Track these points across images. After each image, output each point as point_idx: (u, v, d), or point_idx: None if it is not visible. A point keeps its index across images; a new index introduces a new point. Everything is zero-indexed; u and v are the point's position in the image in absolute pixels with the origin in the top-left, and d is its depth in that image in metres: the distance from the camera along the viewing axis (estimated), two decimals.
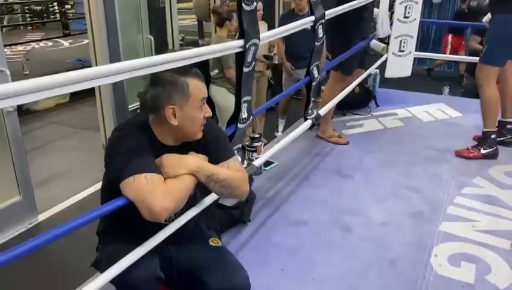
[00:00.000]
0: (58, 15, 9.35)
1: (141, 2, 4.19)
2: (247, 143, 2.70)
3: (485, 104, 2.94)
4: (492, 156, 2.97)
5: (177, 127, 1.34)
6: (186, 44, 6.30)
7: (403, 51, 3.48)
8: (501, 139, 3.10)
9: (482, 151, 2.97)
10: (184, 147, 1.41)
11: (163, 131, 1.37)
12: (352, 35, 2.99)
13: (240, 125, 1.83)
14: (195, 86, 1.34)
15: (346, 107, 3.87)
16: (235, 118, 1.80)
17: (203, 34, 6.40)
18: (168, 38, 4.36)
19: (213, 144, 1.47)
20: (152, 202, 1.22)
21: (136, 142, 1.34)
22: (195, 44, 6.41)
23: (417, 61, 5.04)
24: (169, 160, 1.35)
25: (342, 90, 3.09)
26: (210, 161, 1.42)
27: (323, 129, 3.26)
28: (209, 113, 1.39)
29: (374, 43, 3.73)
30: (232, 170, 1.45)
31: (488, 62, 2.87)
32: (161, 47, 4.34)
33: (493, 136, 2.97)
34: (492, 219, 2.36)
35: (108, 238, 1.50)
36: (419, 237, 2.24)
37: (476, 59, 4.33)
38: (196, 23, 6.68)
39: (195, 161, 1.38)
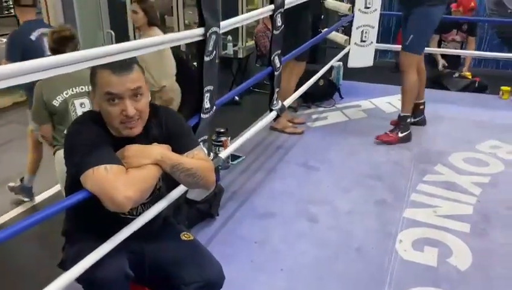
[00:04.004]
0: (12, 10, 8.95)
1: None
2: (213, 137, 2.67)
3: (407, 90, 3.10)
4: (407, 138, 3.14)
5: (102, 116, 1.32)
6: None
7: (364, 41, 3.53)
8: (416, 120, 3.33)
9: (400, 135, 3.12)
10: (146, 138, 1.37)
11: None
12: (300, 22, 3.03)
13: (203, 116, 1.80)
14: (103, 77, 1.27)
15: (311, 99, 3.91)
16: (197, 108, 1.77)
17: (166, 27, 6.30)
18: (129, 32, 4.26)
19: (176, 135, 1.44)
20: (114, 192, 1.19)
21: (95, 134, 1.30)
22: None
23: (379, 53, 5.13)
24: (132, 150, 1.32)
25: (297, 78, 3.18)
26: (174, 152, 1.39)
27: (278, 120, 3.25)
28: (127, 111, 1.28)
29: (336, 35, 3.77)
30: (197, 159, 1.43)
31: (412, 50, 3.00)
32: (123, 42, 4.22)
33: (409, 120, 3.15)
34: (452, 204, 2.43)
35: (74, 236, 1.45)
36: (384, 224, 2.28)
37: (438, 50, 4.49)
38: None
39: (159, 151, 1.34)
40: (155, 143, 1.38)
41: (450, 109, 3.76)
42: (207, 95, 1.78)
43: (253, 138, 2.71)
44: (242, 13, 5.66)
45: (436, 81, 4.56)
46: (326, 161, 2.95)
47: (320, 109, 3.88)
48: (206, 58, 1.68)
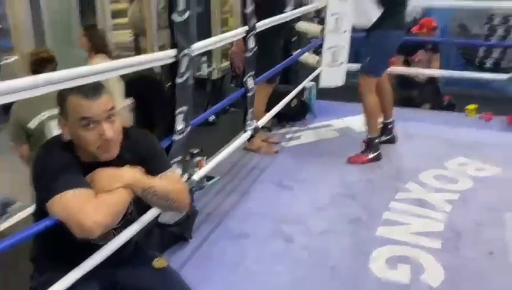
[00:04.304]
0: None
1: (72, 18, 4.06)
2: (187, 158, 2.66)
3: (368, 112, 3.16)
4: (378, 158, 3.19)
5: (74, 142, 1.29)
6: None
7: (336, 61, 3.60)
8: (386, 138, 3.40)
9: (370, 156, 3.17)
10: (117, 162, 1.35)
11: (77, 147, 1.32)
12: (271, 44, 3.08)
13: (176, 137, 1.79)
14: (75, 102, 1.24)
15: (285, 119, 3.95)
16: (171, 129, 1.77)
17: (139, 49, 6.28)
18: None
19: (148, 157, 1.43)
20: (82, 217, 1.16)
21: (62, 159, 1.28)
22: None
23: (351, 74, 5.24)
24: (102, 174, 1.30)
25: (266, 99, 3.23)
26: (147, 174, 1.38)
27: (252, 141, 3.27)
28: (106, 134, 1.25)
29: (307, 57, 3.84)
30: (170, 181, 1.42)
31: (369, 73, 3.07)
32: None
33: (376, 140, 3.19)
34: (424, 221, 2.47)
35: (43, 263, 1.41)
36: (358, 243, 2.30)
37: (406, 70, 4.63)
38: (133, 38, 6.54)
39: (130, 174, 1.33)
40: (127, 166, 1.36)
41: (420, 127, 3.86)
42: (180, 116, 1.78)
43: (228, 158, 2.71)
44: (217, 34, 5.73)
45: (408, 101, 4.70)
46: (300, 181, 2.96)
47: (294, 128, 3.91)
48: (179, 80, 1.69)
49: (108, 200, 1.25)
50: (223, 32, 5.80)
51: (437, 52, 4.97)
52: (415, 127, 3.83)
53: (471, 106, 4.14)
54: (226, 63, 5.99)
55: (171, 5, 1.56)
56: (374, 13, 2.96)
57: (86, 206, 1.18)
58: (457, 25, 5.98)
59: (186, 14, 1.62)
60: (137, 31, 6.10)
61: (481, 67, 6.07)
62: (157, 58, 1.60)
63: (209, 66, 5.52)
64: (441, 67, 4.89)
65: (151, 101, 3.38)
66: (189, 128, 1.85)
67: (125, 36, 6.72)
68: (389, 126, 3.43)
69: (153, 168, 1.41)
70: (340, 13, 3.19)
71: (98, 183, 1.28)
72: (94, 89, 1.27)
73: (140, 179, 1.34)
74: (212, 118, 4.73)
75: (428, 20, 4.90)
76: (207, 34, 5.58)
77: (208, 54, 5.25)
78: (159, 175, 1.41)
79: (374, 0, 2.95)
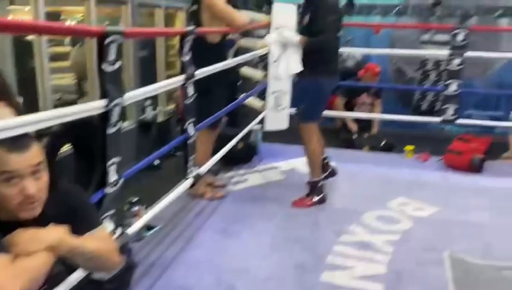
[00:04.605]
0: None
1: (7, 62, 3.90)
2: (125, 208, 2.55)
3: (311, 157, 3.21)
4: (323, 201, 3.22)
5: None
6: (63, 104, 5.96)
7: (279, 105, 3.66)
8: (326, 174, 3.41)
9: (314, 199, 3.20)
10: (41, 220, 1.26)
11: None
12: (213, 91, 3.10)
13: (108, 190, 1.71)
14: None
15: (231, 162, 3.93)
16: (101, 182, 1.69)
17: (82, 92, 6.13)
18: (39, 98, 4.06)
19: (76, 214, 1.34)
20: None
21: None
22: (74, 103, 6.10)
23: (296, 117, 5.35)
24: (22, 236, 1.19)
25: (211, 144, 3.23)
26: (74, 233, 1.29)
27: (195, 187, 3.20)
28: (27, 190, 1.18)
29: (253, 101, 3.90)
30: (99, 241, 1.33)
31: (309, 119, 3.16)
32: (31, 108, 4.03)
33: (320, 183, 3.23)
34: (367, 264, 2.48)
35: None
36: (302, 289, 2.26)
37: (346, 115, 4.81)
38: (75, 81, 6.40)
39: (54, 235, 1.23)
40: (51, 224, 1.27)
41: (362, 168, 3.96)
42: (113, 168, 1.71)
43: (170, 205, 2.63)
44: (161, 78, 5.70)
45: (349, 143, 4.86)
46: (246, 226, 2.92)
47: (241, 171, 3.90)
48: (110, 131, 1.63)
49: (27, 266, 1.14)
50: (168, 76, 5.81)
51: (379, 98, 5.25)
52: (357, 168, 3.93)
53: (409, 147, 4.33)
54: (172, 106, 5.95)
55: (101, 55, 1.52)
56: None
57: (0, 277, 1.07)
58: (394, 69, 6.34)
59: (117, 64, 1.59)
60: (80, 74, 5.98)
61: (417, 110, 6.42)
62: (86, 109, 1.53)
63: (154, 109, 5.45)
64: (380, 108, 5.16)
65: (91, 145, 3.27)
66: (122, 180, 1.78)
67: (68, 79, 6.59)
68: (325, 161, 3.44)
69: (81, 226, 1.32)
70: (282, 59, 3.27)
71: (17, 247, 1.17)
72: (20, 142, 1.19)
73: (65, 240, 1.24)
74: (157, 162, 4.63)
75: (373, 66, 5.21)
76: (152, 78, 5.56)
77: (153, 96, 5.21)
78: (87, 234, 1.32)
79: (306, 47, 3.05)
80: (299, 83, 3.20)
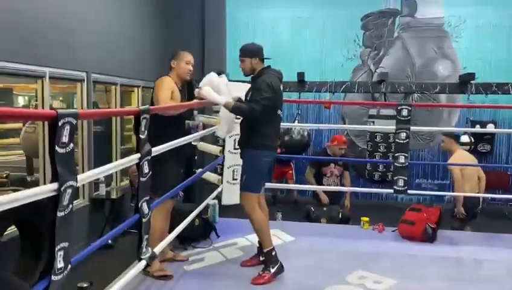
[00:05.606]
0: None
1: None
2: None
3: (258, 227, 3.20)
4: (280, 271, 3.15)
5: None
6: (11, 181, 5.71)
7: (236, 179, 3.67)
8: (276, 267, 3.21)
9: (272, 270, 3.13)
10: None
11: None
12: (168, 166, 3.11)
13: (54, 278, 1.60)
14: None
15: (186, 240, 3.80)
16: (47, 269, 1.58)
17: (32, 170, 5.92)
18: None
19: None
20: None
21: None
22: (23, 181, 5.86)
23: None
24: None
25: (166, 217, 3.19)
26: None
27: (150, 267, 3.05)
28: None
29: (209, 175, 3.89)
30: None
31: (248, 190, 3.18)
32: None
33: (274, 252, 3.18)
34: None
35: None
36: None
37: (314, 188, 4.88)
38: (25, 158, 6.19)
39: None
40: None
41: (319, 241, 3.96)
42: (60, 253, 1.61)
43: (125, 286, 2.47)
44: (116, 152, 5.64)
45: (306, 215, 4.89)
46: None
47: (197, 249, 3.77)
48: (60, 214, 1.56)
49: None
50: (123, 150, 5.75)
51: (347, 169, 5.43)
52: (315, 241, 3.92)
53: (365, 218, 4.40)
54: (126, 182, 5.83)
55: (53, 137, 1.49)
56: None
57: None
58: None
59: (70, 146, 1.56)
60: (29, 152, 5.79)
61: (370, 180, 6.64)
62: (36, 193, 1.47)
63: (107, 185, 5.31)
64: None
65: (39, 226, 3.09)
66: (69, 266, 1.67)
67: (17, 156, 6.37)
68: (273, 253, 3.21)
69: None
70: (238, 134, 3.34)
71: None
72: None
73: None
74: (110, 240, 4.43)
75: (339, 136, 5.47)
76: (107, 153, 5.48)
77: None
78: None
79: (244, 120, 3.16)
80: (241, 155, 3.26)
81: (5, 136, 6.04)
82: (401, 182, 4.01)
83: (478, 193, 4.79)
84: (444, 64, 7.50)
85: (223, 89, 3.21)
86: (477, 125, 6.69)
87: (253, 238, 3.98)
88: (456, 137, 5.09)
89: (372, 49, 7.66)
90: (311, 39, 7.74)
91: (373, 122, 6.67)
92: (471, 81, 6.27)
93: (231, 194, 3.63)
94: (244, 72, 3.26)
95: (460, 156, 4.83)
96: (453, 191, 4.93)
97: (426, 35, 7.53)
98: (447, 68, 7.48)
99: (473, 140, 6.19)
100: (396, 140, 4.04)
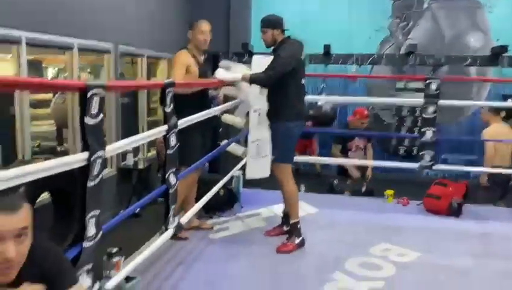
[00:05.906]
0: None
1: None
2: (104, 259, 2.48)
3: (289, 198, 3.26)
4: (302, 243, 3.22)
5: None
6: (42, 151, 5.89)
7: (260, 153, 3.68)
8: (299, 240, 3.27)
9: (296, 241, 3.20)
10: (15, 284, 1.22)
11: None
12: (193, 138, 3.18)
13: (86, 244, 1.67)
14: None
15: (211, 210, 3.89)
16: (79, 236, 1.65)
17: (62, 140, 6.08)
18: (17, 146, 4.01)
19: (52, 274, 1.30)
20: None
21: None
22: (53, 150, 6.04)
23: None
24: None
25: (192, 187, 3.26)
26: None
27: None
28: (7, 254, 1.13)
29: (233, 148, 3.92)
30: None
31: (284, 161, 3.24)
32: (8, 156, 3.98)
33: (299, 225, 3.24)
34: None
35: None
36: None
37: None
38: (55, 128, 6.37)
39: None
40: (26, 283, 1.23)
41: (343, 214, 3.97)
42: (91, 221, 1.67)
43: (152, 254, 2.56)
44: (143, 124, 5.73)
45: (330, 188, 4.89)
46: (229, 276, 2.85)
47: (222, 219, 3.86)
48: (91, 184, 1.62)
49: None
50: (149, 122, 5.83)
51: (370, 141, 5.35)
52: (338, 214, 3.94)
53: (389, 191, 4.38)
54: (153, 152, 5.94)
55: (84, 108, 1.53)
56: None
57: None
58: (371, 115, 6.52)
59: (100, 117, 1.60)
60: (59, 122, 5.95)
61: (395, 155, 6.57)
62: (67, 162, 1.53)
63: (135, 155, 5.43)
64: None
65: (70, 195, 3.20)
66: (100, 233, 1.74)
67: (48, 126, 6.54)
68: (298, 225, 3.28)
69: (55, 285, 1.28)
70: (262, 108, 3.34)
71: None
72: (10, 202, 1.17)
73: None
74: (137, 209, 4.55)
75: (361, 109, 5.35)
76: (133, 125, 5.57)
77: None
78: None
79: (271, 92, 3.18)
80: (270, 128, 3.27)
81: (37, 106, 6.20)
82: (427, 157, 3.95)
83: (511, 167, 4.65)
84: (476, 36, 7.20)
85: (234, 68, 3.27)
86: (509, 99, 6.47)
87: (277, 209, 4.04)
88: (494, 110, 4.86)
89: (401, 19, 7.42)
90: (338, 10, 7.55)
91: (401, 95, 6.52)
92: (504, 54, 6.03)
93: (255, 169, 3.65)
94: (265, 43, 3.25)
95: (496, 129, 4.65)
96: (482, 165, 4.78)
97: (457, 6, 7.23)
98: (478, 40, 7.19)
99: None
100: (424, 114, 3.96)
